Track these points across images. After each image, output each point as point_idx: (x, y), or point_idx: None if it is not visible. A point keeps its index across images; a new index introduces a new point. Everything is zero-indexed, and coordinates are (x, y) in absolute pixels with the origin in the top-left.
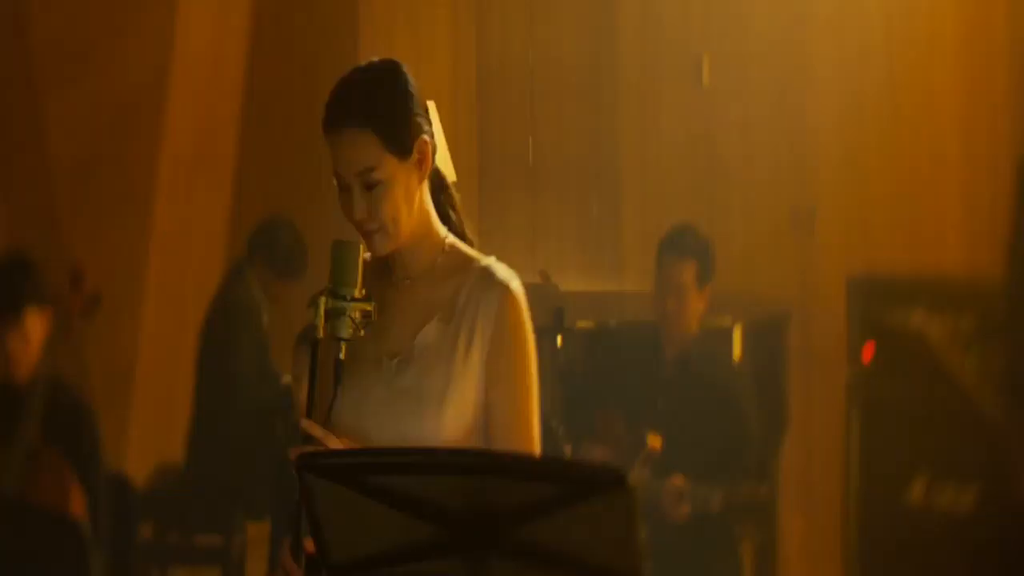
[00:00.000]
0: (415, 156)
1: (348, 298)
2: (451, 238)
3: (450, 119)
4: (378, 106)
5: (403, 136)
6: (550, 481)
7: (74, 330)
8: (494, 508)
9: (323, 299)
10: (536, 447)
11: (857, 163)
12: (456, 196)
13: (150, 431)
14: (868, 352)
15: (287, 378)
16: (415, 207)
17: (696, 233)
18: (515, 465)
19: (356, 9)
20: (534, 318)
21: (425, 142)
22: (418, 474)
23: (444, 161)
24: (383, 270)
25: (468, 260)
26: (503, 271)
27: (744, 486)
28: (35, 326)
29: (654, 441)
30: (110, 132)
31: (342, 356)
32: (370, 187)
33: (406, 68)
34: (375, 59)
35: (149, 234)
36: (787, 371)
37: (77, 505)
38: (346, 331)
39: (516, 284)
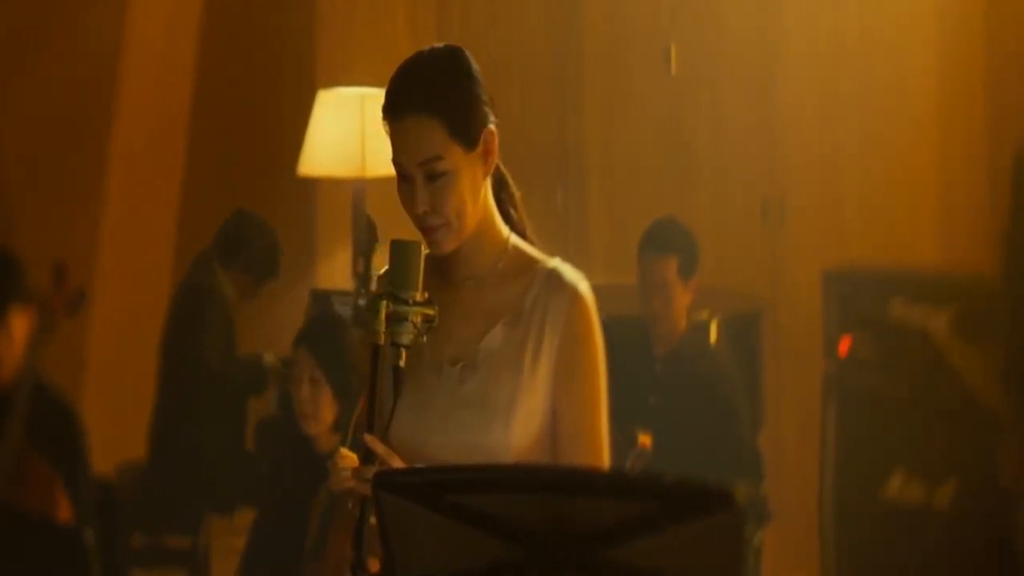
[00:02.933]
0: (481, 147)
1: (410, 302)
2: (514, 238)
3: None
4: (445, 92)
5: (470, 125)
6: (647, 500)
7: (58, 329)
8: (578, 528)
9: (384, 303)
10: (605, 459)
11: (829, 154)
12: (517, 194)
13: (106, 427)
14: (844, 346)
15: (268, 358)
16: (479, 203)
17: (676, 226)
18: (609, 483)
19: None
20: None
21: (492, 133)
22: (500, 492)
23: None
24: (440, 269)
25: (532, 261)
26: (571, 273)
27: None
28: (19, 325)
29: (644, 439)
30: (60, 124)
31: (402, 363)
32: (433, 178)
33: (469, 54)
34: (438, 45)
35: (100, 226)
36: (762, 365)
37: (64, 510)
38: (407, 337)
39: (585, 287)
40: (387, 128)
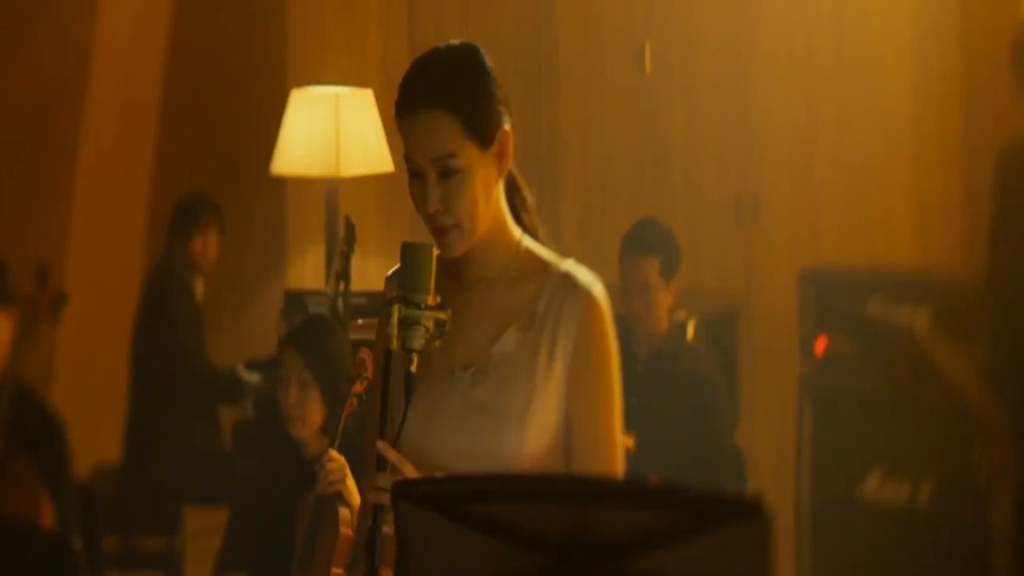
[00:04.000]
0: (496, 148)
1: (422, 306)
2: (526, 239)
3: (380, 107)
4: (461, 89)
5: (486, 123)
6: (674, 509)
7: (40, 331)
8: (602, 538)
9: (396, 307)
10: (620, 465)
11: (804, 153)
12: (530, 199)
13: (77, 428)
14: (820, 345)
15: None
16: (491, 205)
17: (657, 226)
18: (634, 492)
19: None
20: None
21: (507, 134)
22: (522, 502)
23: (380, 151)
24: (450, 272)
25: (545, 263)
26: (585, 275)
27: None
28: (2, 327)
29: (628, 440)
30: (29, 121)
31: (413, 369)
32: (447, 176)
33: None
34: (454, 41)
35: (69, 223)
36: (739, 365)
37: (47, 515)
38: (419, 342)
39: (599, 289)
40: (400, 122)
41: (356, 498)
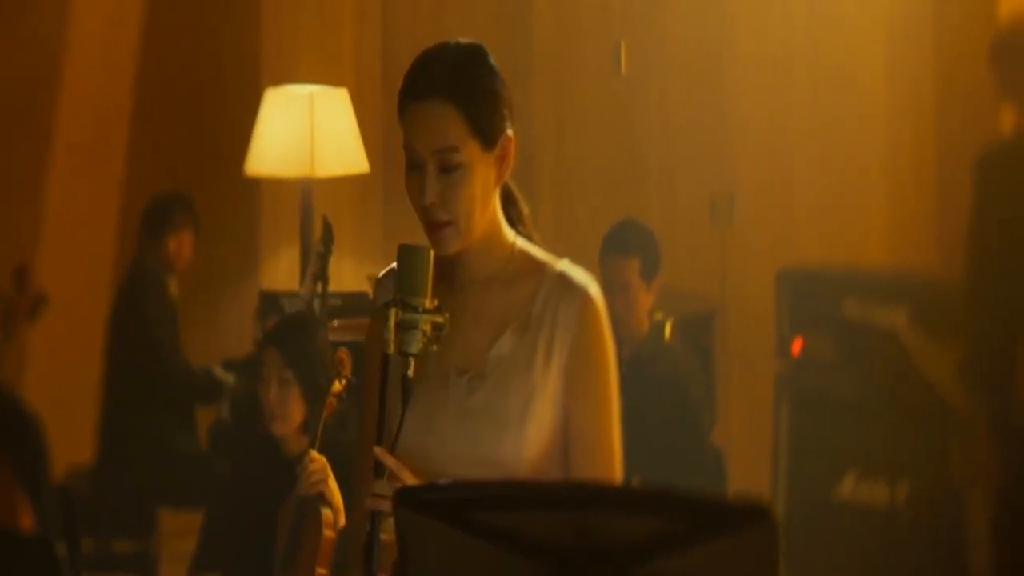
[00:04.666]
0: (498, 150)
1: (420, 309)
2: (520, 241)
3: (354, 106)
4: (470, 85)
5: (491, 123)
6: (681, 516)
7: (19, 333)
8: (608, 545)
9: (393, 311)
10: (619, 465)
11: (778, 152)
12: (525, 210)
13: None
14: (797, 346)
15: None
16: (488, 209)
17: (637, 227)
18: (640, 499)
19: None
20: None
21: (510, 138)
22: (526, 509)
23: (356, 151)
24: (443, 274)
25: (541, 263)
26: (580, 275)
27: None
28: None
29: None
30: (2, 118)
31: (411, 373)
32: (447, 171)
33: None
34: (462, 39)
35: (41, 223)
36: (715, 366)
37: (27, 519)
38: (416, 346)
39: (595, 289)
40: (403, 110)
41: (338, 499)
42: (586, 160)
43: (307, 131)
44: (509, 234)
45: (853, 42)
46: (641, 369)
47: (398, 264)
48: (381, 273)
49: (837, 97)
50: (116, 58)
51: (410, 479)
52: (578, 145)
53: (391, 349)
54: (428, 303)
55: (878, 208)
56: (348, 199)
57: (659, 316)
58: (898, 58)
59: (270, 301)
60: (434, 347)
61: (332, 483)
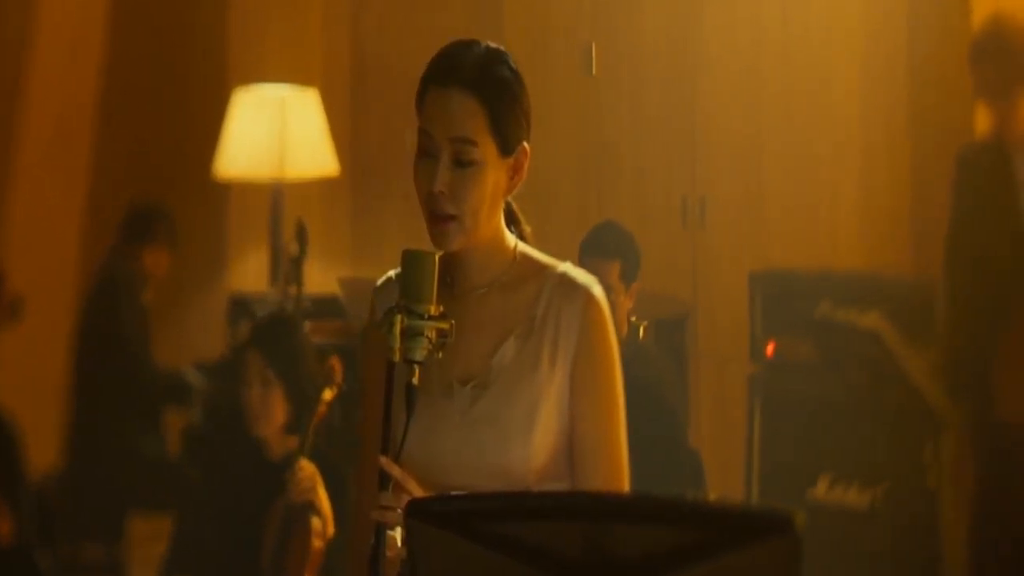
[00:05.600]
0: (513, 160)
1: (425, 316)
2: (521, 245)
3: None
4: (495, 84)
5: (512, 129)
6: (701, 526)
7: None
8: (625, 556)
9: (399, 317)
10: (625, 470)
11: (750, 155)
12: (528, 229)
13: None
14: (770, 348)
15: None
16: (494, 217)
17: (617, 230)
18: (658, 509)
19: None
20: None
21: (526, 151)
22: (540, 520)
23: (326, 153)
24: (444, 280)
25: (542, 267)
26: (583, 276)
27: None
28: None
29: None
30: None
31: (415, 381)
32: (461, 164)
33: None
34: (491, 43)
35: (5, 224)
36: (688, 368)
37: (4, 526)
38: (421, 353)
39: (598, 290)
40: (426, 93)
41: (328, 508)
42: (556, 162)
43: (278, 133)
44: (511, 239)
45: (825, 44)
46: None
47: (402, 269)
48: (379, 282)
49: (809, 99)
50: (82, 58)
51: (416, 490)
52: (548, 146)
53: (396, 357)
54: (433, 309)
55: (850, 210)
56: (316, 201)
57: (633, 319)
58: (871, 59)
59: (241, 304)
60: (439, 354)
61: (321, 491)
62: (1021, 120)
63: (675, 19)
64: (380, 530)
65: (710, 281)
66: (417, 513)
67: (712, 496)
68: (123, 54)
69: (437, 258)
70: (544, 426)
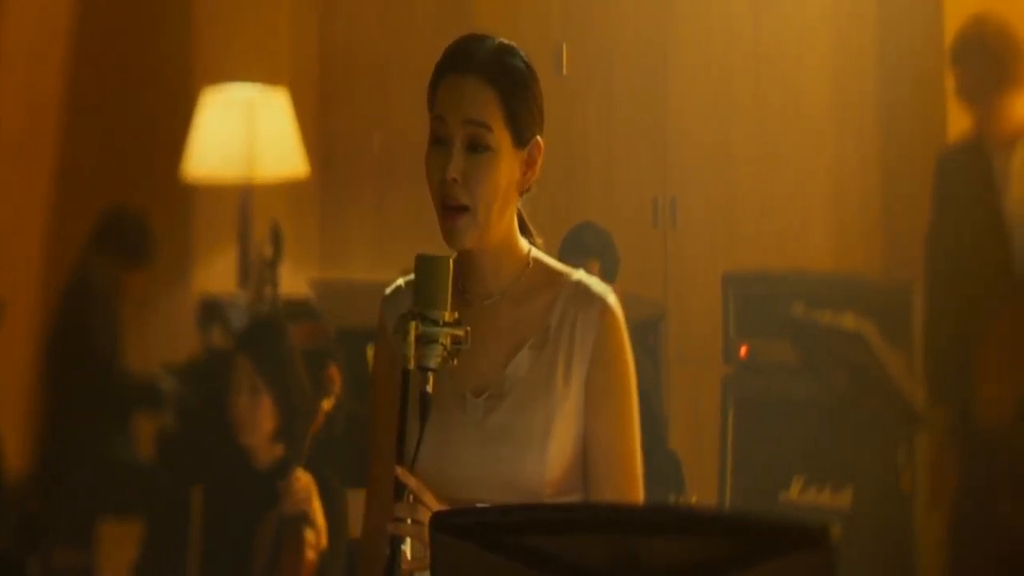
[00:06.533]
0: (527, 153)
1: (440, 322)
2: (535, 251)
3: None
4: (510, 74)
5: (526, 121)
6: (733, 537)
7: None
8: (649, 569)
9: (413, 324)
10: (640, 484)
11: (721, 155)
12: (539, 241)
13: None
14: (744, 349)
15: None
16: (506, 214)
17: (596, 229)
18: (688, 520)
19: None
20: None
21: (540, 146)
22: (568, 533)
23: (296, 154)
24: (455, 288)
25: (556, 275)
26: (598, 285)
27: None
28: None
29: None
30: None
31: (429, 389)
32: (475, 149)
33: None
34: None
35: None
36: (661, 369)
37: None
38: (435, 360)
39: (613, 299)
40: (440, 80)
41: (322, 520)
42: None
43: (246, 133)
44: (523, 245)
45: (796, 45)
46: None
47: (416, 274)
48: (388, 290)
49: (780, 100)
50: (46, 60)
51: (432, 501)
52: None
53: (411, 364)
54: (448, 316)
55: (821, 212)
56: (283, 202)
57: None
58: (841, 59)
59: (212, 307)
60: (454, 361)
61: (316, 503)
62: (1001, 121)
63: (646, 20)
64: (395, 543)
65: (682, 282)
66: (442, 526)
67: (692, 498)
68: (88, 55)
69: (451, 263)
70: (560, 439)
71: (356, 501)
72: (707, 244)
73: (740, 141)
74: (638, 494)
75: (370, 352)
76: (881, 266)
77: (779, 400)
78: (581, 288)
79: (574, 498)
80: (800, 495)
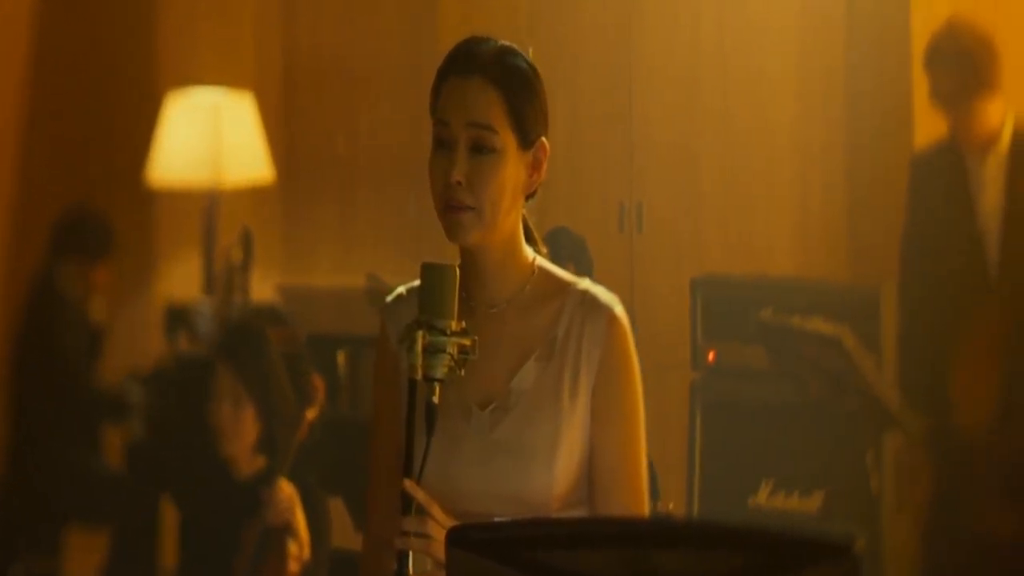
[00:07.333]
0: (532, 155)
1: (447, 332)
2: (539, 259)
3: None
4: (513, 75)
5: (531, 122)
6: (754, 552)
7: None
8: None
9: (420, 333)
10: (645, 495)
11: (688, 160)
12: (543, 250)
13: None
14: (712, 354)
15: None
16: (512, 216)
17: (570, 235)
18: (708, 535)
19: None
20: (371, 327)
21: (544, 146)
22: (584, 547)
23: (261, 159)
24: (459, 297)
25: (562, 284)
26: (605, 294)
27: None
28: None
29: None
30: None
31: (435, 399)
32: (480, 151)
33: None
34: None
35: None
36: None
37: None
38: (442, 371)
39: (620, 309)
40: (443, 82)
41: (304, 531)
42: None
43: (212, 138)
44: (528, 252)
45: (761, 50)
46: None
47: (422, 283)
48: (389, 298)
49: (745, 105)
50: (7, 64)
51: (440, 515)
52: None
53: (419, 375)
54: (454, 325)
55: (787, 217)
56: (248, 207)
57: None
58: (807, 65)
59: (178, 313)
60: (461, 371)
61: (300, 514)
62: (976, 125)
63: (612, 24)
64: (403, 558)
65: (649, 287)
66: (458, 541)
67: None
68: (50, 60)
69: (458, 271)
70: (567, 452)
71: (336, 511)
72: (674, 249)
73: (706, 146)
74: (643, 508)
75: (340, 358)
76: (847, 271)
77: (747, 405)
78: (588, 297)
79: (580, 512)
80: (768, 499)
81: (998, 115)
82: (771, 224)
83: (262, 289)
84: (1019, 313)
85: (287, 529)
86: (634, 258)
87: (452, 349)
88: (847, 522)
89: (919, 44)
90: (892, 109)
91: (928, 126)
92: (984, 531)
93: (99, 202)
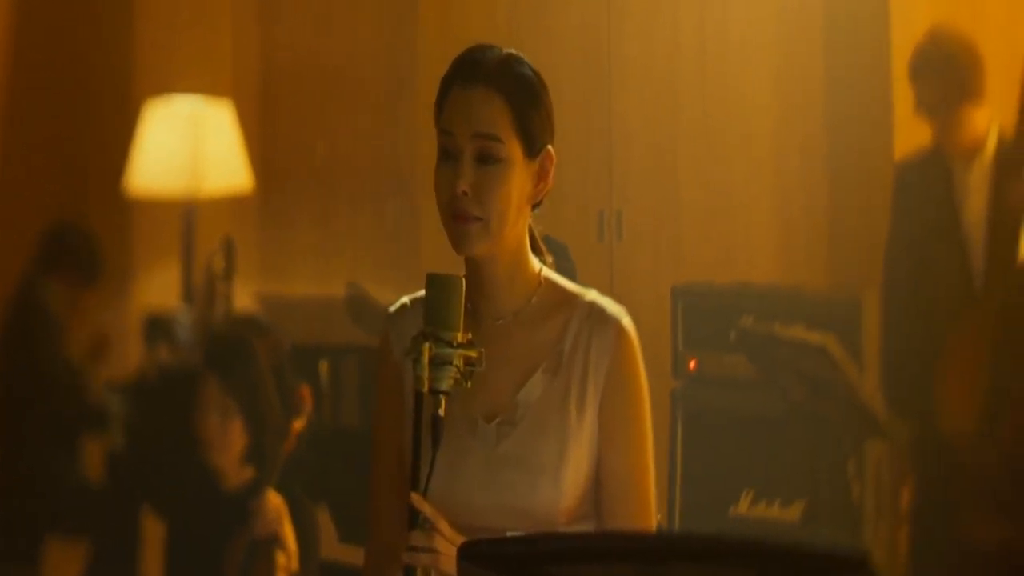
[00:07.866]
0: (538, 164)
1: (453, 344)
2: (545, 270)
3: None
4: (519, 84)
5: (537, 131)
6: (769, 567)
7: None
8: None
9: (427, 345)
10: (653, 509)
11: (668, 168)
12: (549, 259)
13: None
14: (693, 362)
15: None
16: (519, 226)
17: (555, 242)
18: (724, 549)
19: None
20: (352, 336)
21: (551, 154)
22: (597, 562)
23: (240, 168)
24: (464, 309)
25: (569, 295)
26: (613, 306)
27: None
28: None
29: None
30: None
31: (441, 412)
32: (485, 161)
33: None
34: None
35: None
36: None
37: None
38: (448, 383)
39: (628, 320)
40: (444, 96)
41: (292, 542)
42: None
43: (190, 146)
44: (535, 263)
45: (741, 58)
46: None
47: (427, 294)
48: (392, 308)
49: (725, 113)
50: None
51: (447, 530)
52: None
53: (425, 387)
54: (461, 337)
55: (769, 224)
56: (225, 216)
57: None
58: (788, 73)
59: (158, 323)
60: (467, 384)
61: (287, 525)
62: (961, 133)
63: (591, 32)
64: (409, 573)
65: (629, 296)
66: (470, 555)
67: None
68: (27, 67)
69: (464, 283)
70: (574, 467)
71: (323, 521)
72: (654, 257)
73: (686, 154)
74: (651, 521)
75: (323, 367)
76: (828, 279)
77: (728, 414)
78: (596, 309)
79: (587, 525)
80: (750, 509)
81: (983, 123)
82: (752, 232)
83: (241, 298)
84: (1003, 321)
85: (275, 540)
86: (614, 267)
87: (458, 361)
88: (828, 532)
89: (899, 51)
90: (872, 116)
91: (908, 133)
92: (967, 539)
93: (76, 212)
